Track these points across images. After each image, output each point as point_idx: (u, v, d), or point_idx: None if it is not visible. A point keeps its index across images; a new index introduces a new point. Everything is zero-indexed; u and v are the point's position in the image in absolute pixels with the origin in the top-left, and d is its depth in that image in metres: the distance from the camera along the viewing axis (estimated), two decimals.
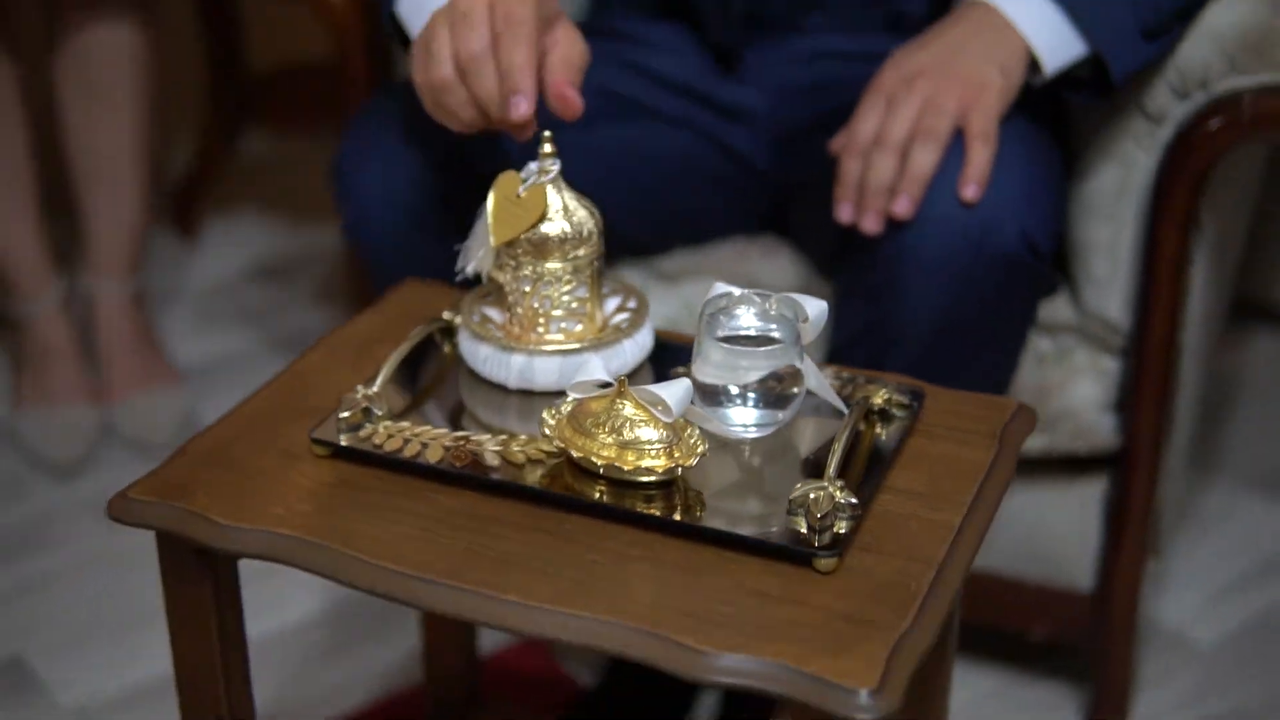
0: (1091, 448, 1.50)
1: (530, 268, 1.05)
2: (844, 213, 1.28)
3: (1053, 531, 1.55)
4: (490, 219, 1.04)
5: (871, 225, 1.26)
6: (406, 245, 1.35)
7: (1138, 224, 1.41)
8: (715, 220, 1.54)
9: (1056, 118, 1.42)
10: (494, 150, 1.30)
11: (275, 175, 2.71)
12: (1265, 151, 1.77)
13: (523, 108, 1.10)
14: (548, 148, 1.05)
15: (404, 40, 1.31)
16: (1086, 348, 1.47)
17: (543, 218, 1.04)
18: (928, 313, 1.26)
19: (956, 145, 1.25)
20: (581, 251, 1.05)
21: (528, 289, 1.05)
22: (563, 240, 1.05)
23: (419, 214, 1.34)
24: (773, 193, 1.52)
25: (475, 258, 1.07)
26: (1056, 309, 1.46)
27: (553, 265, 1.05)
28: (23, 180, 1.98)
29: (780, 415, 1.02)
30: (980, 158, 1.24)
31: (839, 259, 1.35)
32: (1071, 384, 1.47)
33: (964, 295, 1.25)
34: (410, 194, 1.34)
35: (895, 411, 1.06)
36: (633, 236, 1.50)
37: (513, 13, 1.11)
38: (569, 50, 1.14)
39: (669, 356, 1.11)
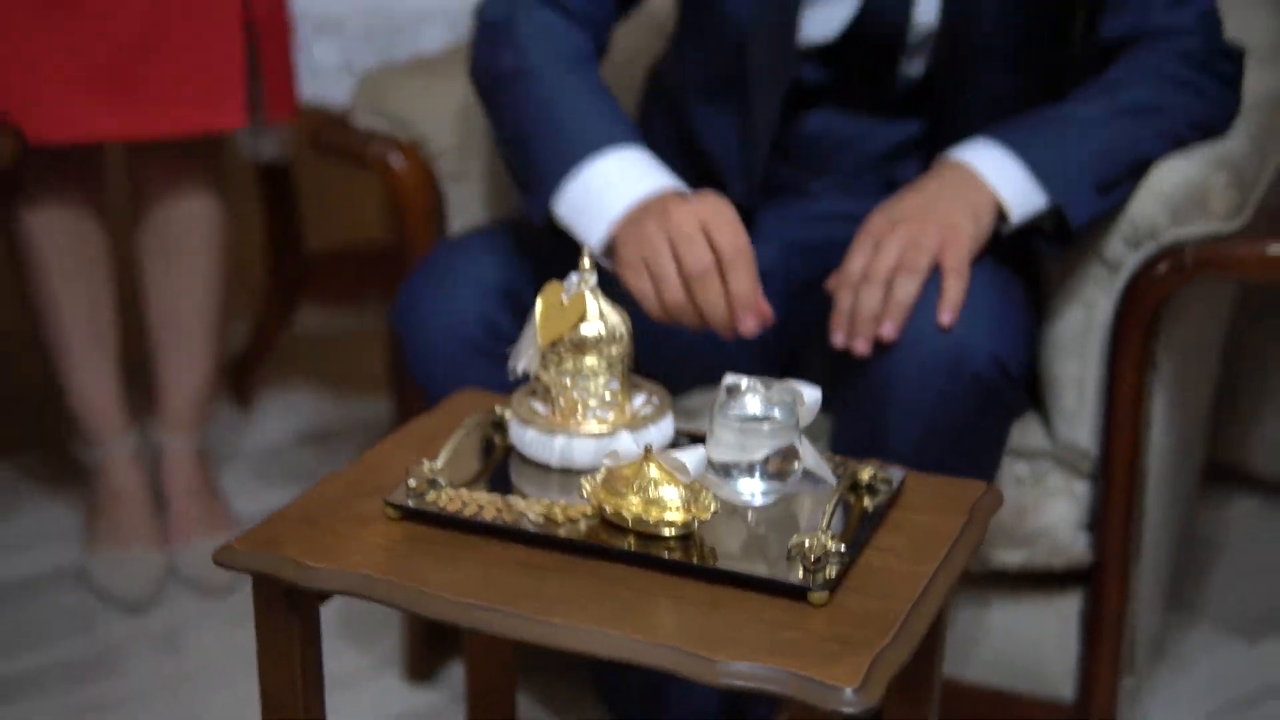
0: (1067, 563, 1.67)
1: (571, 363, 1.25)
2: (838, 339, 1.48)
3: (1035, 644, 1.71)
4: (538, 322, 1.24)
5: (862, 348, 1.46)
6: (462, 372, 1.55)
7: (1101, 360, 1.60)
8: (731, 364, 1.73)
9: (1026, 265, 1.62)
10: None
11: (325, 349, 2.93)
12: (1228, 315, 1.98)
13: (751, 324, 1.40)
14: (586, 262, 1.26)
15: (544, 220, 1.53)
16: (1060, 472, 1.65)
17: (582, 320, 1.24)
18: (911, 426, 1.45)
19: (934, 279, 1.45)
20: (615, 350, 1.25)
21: (568, 381, 1.25)
22: (599, 340, 1.24)
23: (474, 344, 1.54)
24: (782, 339, 1.71)
25: (525, 356, 1.27)
26: (1032, 437, 1.65)
27: (590, 361, 1.24)
28: (106, 339, 2.18)
29: (782, 486, 1.20)
30: (955, 290, 1.44)
31: (835, 383, 1.54)
32: (1047, 505, 1.65)
33: (943, 409, 1.44)
34: (466, 327, 1.55)
35: (880, 486, 1.24)
36: (657, 376, 1.69)
37: (734, 242, 1.38)
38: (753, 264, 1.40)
39: (686, 444, 1.30)
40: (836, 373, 1.53)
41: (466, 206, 1.83)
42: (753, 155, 1.65)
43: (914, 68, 1.63)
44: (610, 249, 1.47)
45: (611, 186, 1.46)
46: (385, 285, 2.66)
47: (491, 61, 1.60)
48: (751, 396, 1.21)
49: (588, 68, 1.58)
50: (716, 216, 1.40)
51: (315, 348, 2.93)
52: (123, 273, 2.25)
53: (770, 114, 1.63)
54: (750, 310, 1.40)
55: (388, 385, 2.69)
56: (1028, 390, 1.64)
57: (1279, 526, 2.36)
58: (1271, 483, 2.41)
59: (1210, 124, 1.58)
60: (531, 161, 1.52)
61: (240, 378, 2.71)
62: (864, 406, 1.48)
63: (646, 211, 1.43)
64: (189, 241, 2.17)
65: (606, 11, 1.66)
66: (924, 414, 1.44)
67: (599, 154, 1.48)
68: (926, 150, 1.64)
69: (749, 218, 1.70)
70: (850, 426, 1.51)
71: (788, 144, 1.67)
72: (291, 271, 2.69)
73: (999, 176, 1.50)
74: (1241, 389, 2.32)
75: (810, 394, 1.21)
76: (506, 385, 1.38)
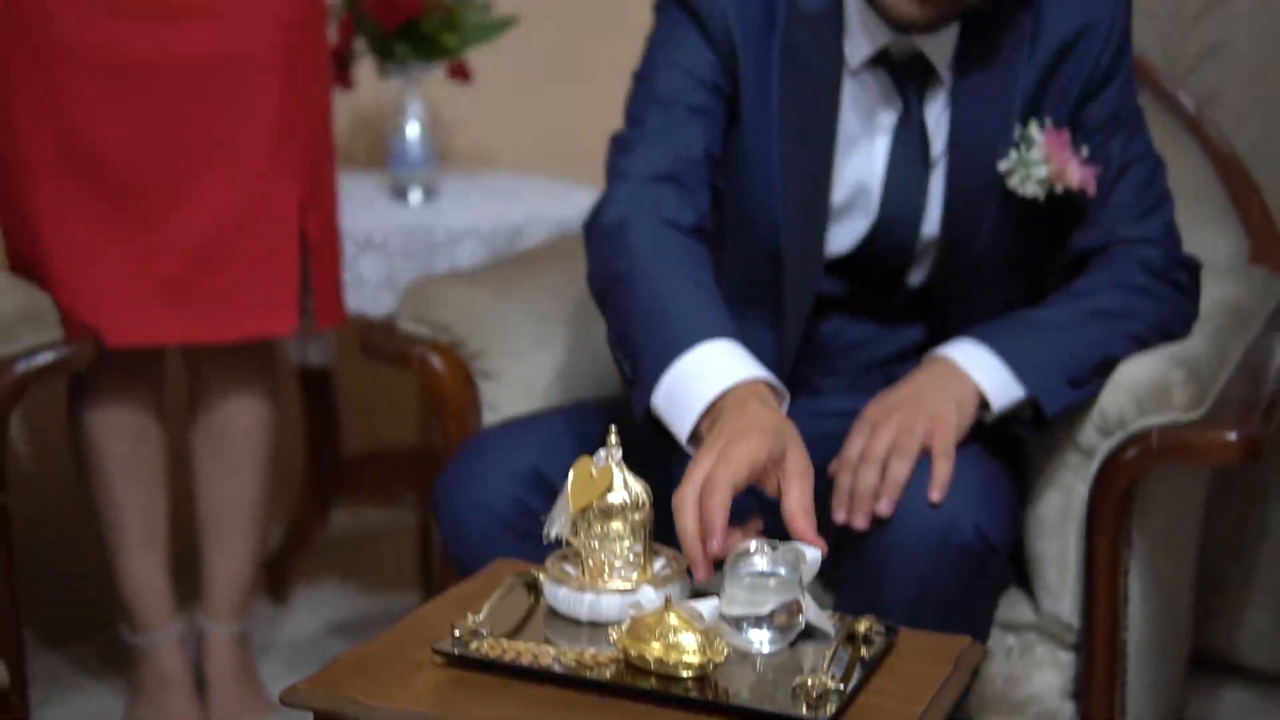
0: None
1: (599, 527, 1.40)
2: (839, 515, 1.63)
3: None
4: (570, 491, 1.40)
5: (860, 522, 1.61)
6: (494, 547, 1.70)
7: (1080, 539, 1.76)
8: None
9: (1008, 452, 1.79)
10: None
11: (358, 546, 3.09)
12: (1202, 502, 2.13)
13: (700, 573, 1.39)
14: (613, 439, 1.42)
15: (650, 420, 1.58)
16: (1046, 643, 1.79)
17: (609, 490, 1.40)
18: (906, 593, 1.59)
19: (925, 462, 1.62)
20: (638, 516, 1.41)
21: (596, 544, 1.40)
22: (624, 507, 1.40)
23: (505, 521, 1.70)
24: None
25: (558, 523, 1.42)
26: (1020, 611, 1.79)
27: (616, 526, 1.40)
28: (159, 533, 2.33)
29: (787, 636, 1.35)
30: (942, 470, 1.60)
31: (836, 555, 1.69)
32: (1035, 674, 1.79)
33: (934, 578, 1.59)
34: (499, 506, 1.71)
35: (875, 638, 1.38)
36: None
37: (716, 474, 1.40)
38: (803, 488, 1.43)
39: None
40: (838, 548, 1.68)
41: (498, 402, 2.01)
42: (784, 356, 1.82)
43: (916, 277, 1.82)
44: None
45: (699, 379, 1.52)
46: (416, 486, 2.83)
47: (605, 267, 1.68)
48: (759, 556, 1.36)
49: (692, 265, 1.64)
50: (710, 484, 1.41)
51: (348, 545, 3.08)
52: (173, 464, 2.42)
53: (799, 320, 1.81)
54: (697, 564, 1.40)
55: (417, 581, 2.84)
56: (1014, 567, 1.79)
57: (1269, 716, 2.47)
58: (1260, 673, 2.52)
59: (1169, 327, 1.77)
60: (634, 358, 1.59)
61: (276, 573, 2.85)
62: (862, 579, 1.63)
63: (712, 436, 1.47)
64: (240, 439, 2.34)
65: (705, 205, 1.74)
66: (917, 582, 1.59)
67: (690, 348, 1.55)
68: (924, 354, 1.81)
69: None
70: (850, 598, 1.65)
71: (804, 346, 1.84)
72: (328, 472, 2.86)
73: (980, 370, 1.67)
74: (1228, 580, 2.45)
75: (811, 554, 1.37)
76: (535, 558, 1.53)
